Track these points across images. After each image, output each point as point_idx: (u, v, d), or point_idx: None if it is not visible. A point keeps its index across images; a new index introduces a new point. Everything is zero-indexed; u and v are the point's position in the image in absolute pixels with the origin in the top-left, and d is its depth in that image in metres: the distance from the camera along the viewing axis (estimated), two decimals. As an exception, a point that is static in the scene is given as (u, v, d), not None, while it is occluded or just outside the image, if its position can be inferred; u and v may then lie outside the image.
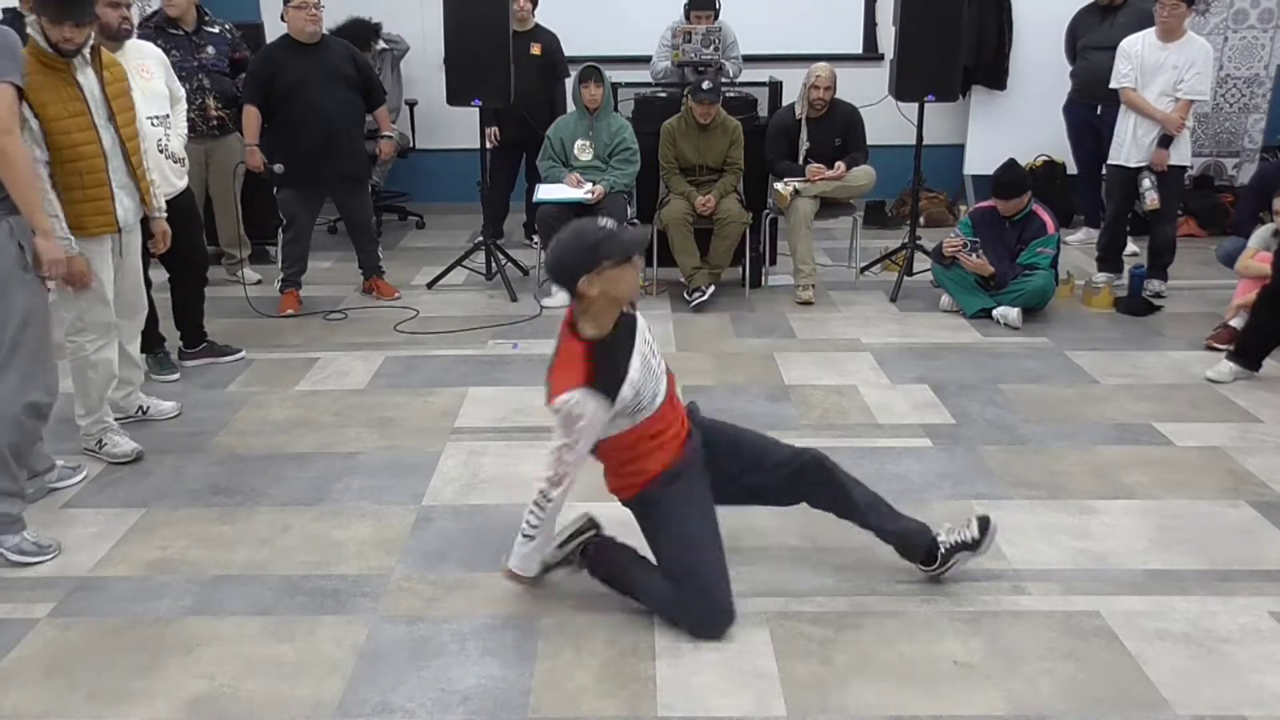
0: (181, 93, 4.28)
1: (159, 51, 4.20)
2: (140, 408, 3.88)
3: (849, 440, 3.69)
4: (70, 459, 3.46)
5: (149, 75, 4.00)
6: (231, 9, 6.94)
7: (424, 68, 7.06)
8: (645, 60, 6.25)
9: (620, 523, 2.76)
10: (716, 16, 5.98)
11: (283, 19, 5.02)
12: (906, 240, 5.74)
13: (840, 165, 5.35)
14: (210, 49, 5.19)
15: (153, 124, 3.97)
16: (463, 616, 2.67)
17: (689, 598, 2.55)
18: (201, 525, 3.16)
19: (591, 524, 2.79)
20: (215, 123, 5.25)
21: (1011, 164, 5.02)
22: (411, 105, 7.07)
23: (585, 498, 2.83)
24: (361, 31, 6.34)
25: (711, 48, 5.76)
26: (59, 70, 3.16)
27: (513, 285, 5.49)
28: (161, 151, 4.01)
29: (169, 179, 4.07)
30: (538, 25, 6.03)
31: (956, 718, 2.28)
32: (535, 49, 5.93)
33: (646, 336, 2.62)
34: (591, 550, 2.73)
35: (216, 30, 5.31)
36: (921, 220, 6.58)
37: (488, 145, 5.86)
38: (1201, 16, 6.63)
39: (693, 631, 2.55)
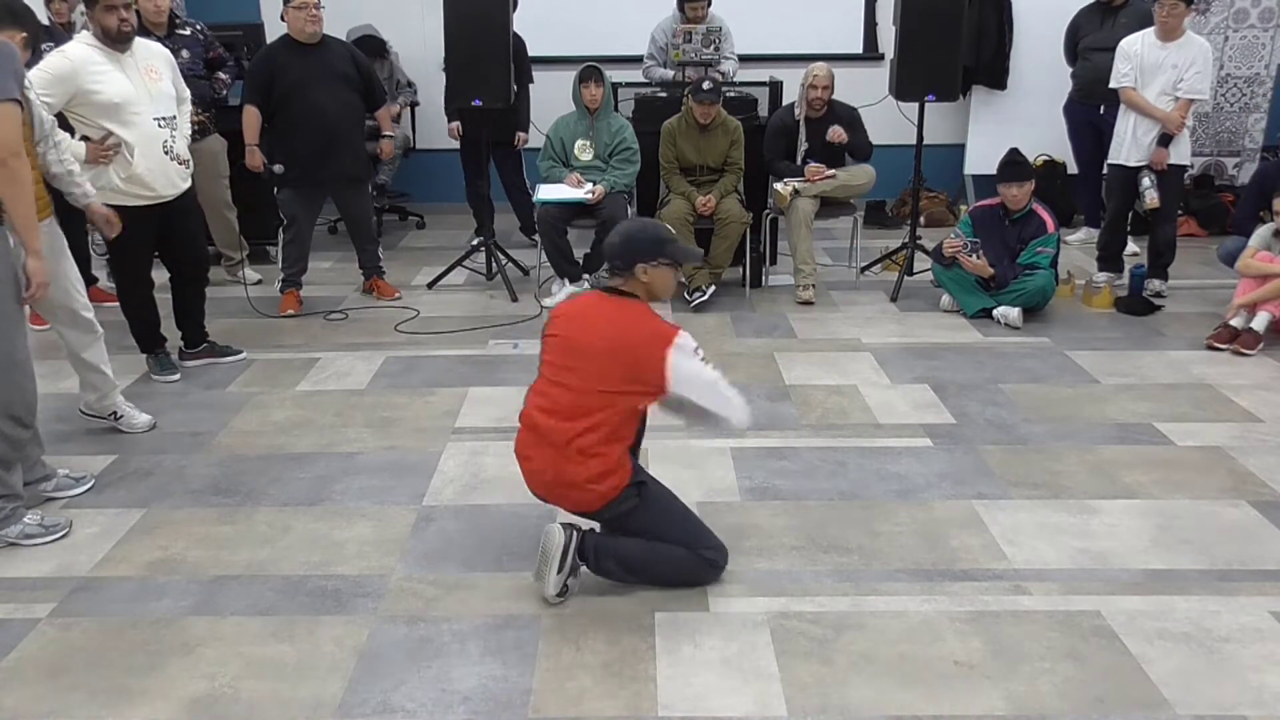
0: (187, 93, 4.25)
1: (166, 52, 4.17)
2: (114, 413, 3.80)
3: (849, 440, 3.69)
4: (76, 470, 3.45)
5: (156, 76, 3.98)
6: (231, 9, 6.97)
7: (424, 68, 7.07)
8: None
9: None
10: (709, 5, 5.98)
11: (283, 19, 5.02)
12: (907, 240, 5.75)
13: (846, 164, 5.35)
14: (185, 53, 5.12)
15: (159, 125, 3.95)
16: (463, 616, 2.67)
17: (706, 553, 2.75)
18: (202, 525, 3.16)
19: (571, 529, 2.72)
20: (195, 126, 5.22)
21: (1016, 150, 5.05)
22: (413, 105, 7.07)
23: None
24: (369, 47, 6.32)
25: (712, 47, 5.76)
26: None
27: (513, 285, 5.49)
28: (167, 154, 4.00)
29: (173, 180, 4.06)
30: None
31: (956, 718, 2.28)
32: None
33: None
34: (590, 544, 2.71)
35: (188, 33, 5.29)
36: (922, 220, 6.60)
37: (457, 141, 5.91)
38: (1202, 16, 6.63)
39: (706, 581, 2.76)
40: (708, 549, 2.76)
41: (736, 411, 2.66)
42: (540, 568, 2.68)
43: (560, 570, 2.66)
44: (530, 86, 6.19)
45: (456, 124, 6.01)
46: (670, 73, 5.97)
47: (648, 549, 2.72)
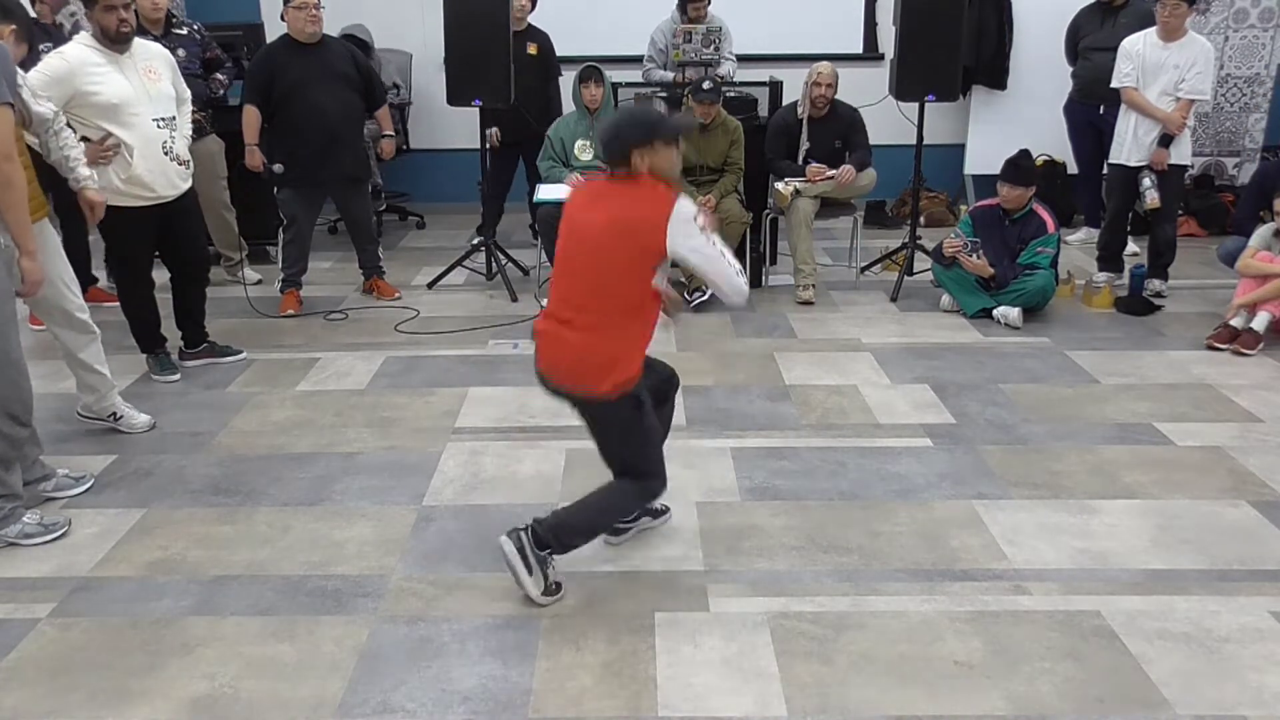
0: (187, 93, 4.24)
1: (165, 52, 4.16)
2: (113, 414, 3.79)
3: (849, 440, 3.69)
4: (76, 470, 3.44)
5: (156, 76, 3.98)
6: (231, 9, 6.97)
7: (424, 68, 7.06)
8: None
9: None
10: (709, 3, 5.99)
11: (283, 19, 5.02)
12: (907, 240, 5.74)
13: (850, 169, 5.34)
14: (181, 52, 5.05)
15: (158, 126, 3.95)
16: (463, 616, 2.67)
17: (652, 482, 2.81)
18: (202, 525, 3.16)
19: (517, 532, 2.73)
20: (192, 126, 5.21)
21: (1026, 153, 5.05)
22: (400, 106, 7.04)
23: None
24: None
25: (712, 47, 5.76)
26: None
27: (513, 285, 5.49)
28: (166, 154, 4.00)
29: (173, 181, 4.06)
30: (531, 25, 6.02)
31: (956, 718, 2.28)
32: (531, 49, 5.93)
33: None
34: (546, 531, 2.70)
35: (185, 32, 5.29)
36: (922, 220, 6.59)
37: (489, 146, 5.84)
38: (1202, 16, 6.63)
39: (647, 503, 2.93)
40: (655, 479, 2.80)
41: (731, 290, 2.61)
42: (516, 579, 2.69)
43: (530, 571, 2.68)
44: (559, 80, 6.20)
45: (495, 130, 5.92)
46: (670, 75, 5.97)
47: (598, 508, 2.78)
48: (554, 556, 2.74)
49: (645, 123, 2.60)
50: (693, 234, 2.54)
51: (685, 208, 2.54)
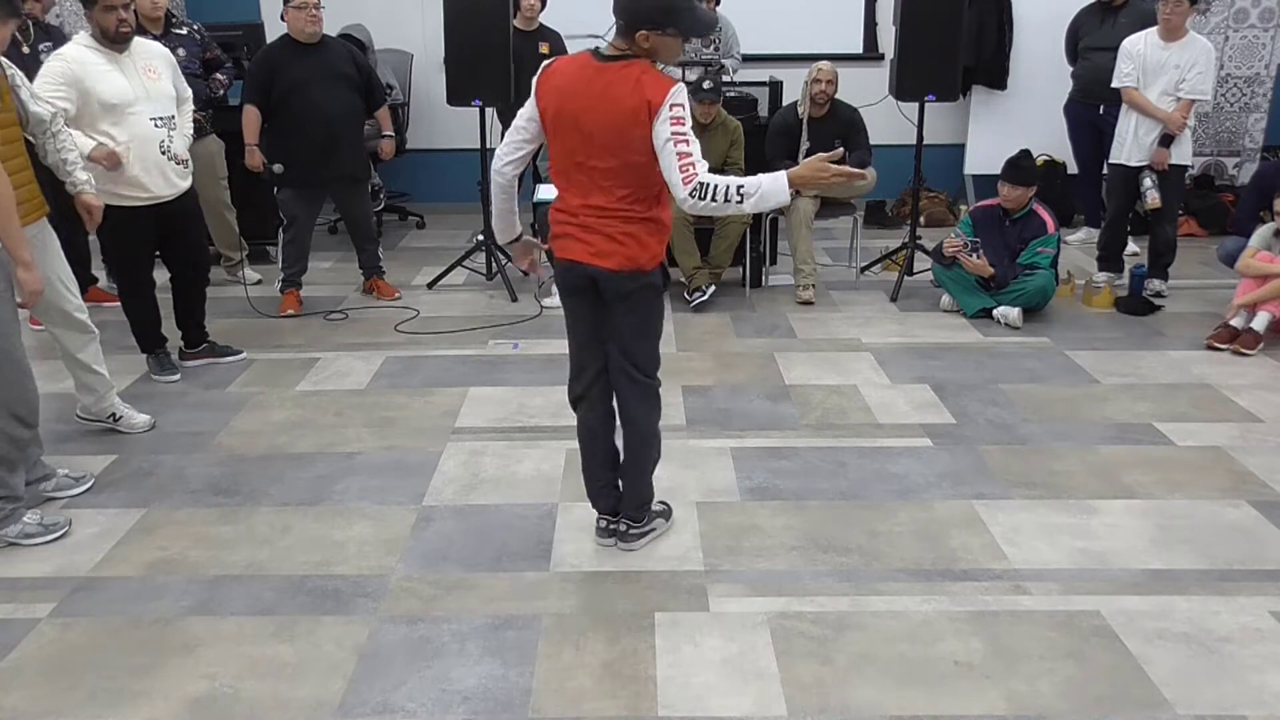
0: (188, 93, 4.24)
1: (165, 51, 4.16)
2: (113, 414, 3.78)
3: (849, 440, 3.69)
4: (76, 470, 3.44)
5: (156, 76, 3.98)
6: (231, 9, 6.97)
7: (424, 68, 7.06)
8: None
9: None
10: (717, 3, 6.00)
11: (283, 19, 5.02)
12: (907, 240, 5.75)
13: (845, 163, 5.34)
14: (180, 51, 5.02)
15: (156, 125, 3.95)
16: (463, 616, 2.67)
17: (656, 378, 2.86)
18: (202, 525, 3.16)
19: (626, 532, 2.98)
20: (192, 125, 5.20)
21: (1027, 153, 5.05)
22: (397, 106, 7.02)
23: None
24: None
25: (712, 47, 5.77)
26: None
27: (513, 285, 5.49)
28: (164, 154, 4.00)
29: (171, 180, 4.06)
30: (542, 25, 6.04)
31: (956, 718, 2.28)
32: (543, 48, 5.95)
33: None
34: (636, 512, 2.97)
35: (185, 32, 5.28)
36: (922, 220, 6.60)
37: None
38: (1202, 16, 6.64)
39: (658, 402, 2.90)
40: (657, 374, 2.86)
41: (673, 188, 2.55)
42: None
43: (658, 531, 3.02)
44: None
45: None
46: (676, 74, 5.98)
47: (646, 442, 2.89)
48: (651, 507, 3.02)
49: (668, 7, 2.50)
50: (669, 121, 2.47)
51: (681, 95, 2.49)
